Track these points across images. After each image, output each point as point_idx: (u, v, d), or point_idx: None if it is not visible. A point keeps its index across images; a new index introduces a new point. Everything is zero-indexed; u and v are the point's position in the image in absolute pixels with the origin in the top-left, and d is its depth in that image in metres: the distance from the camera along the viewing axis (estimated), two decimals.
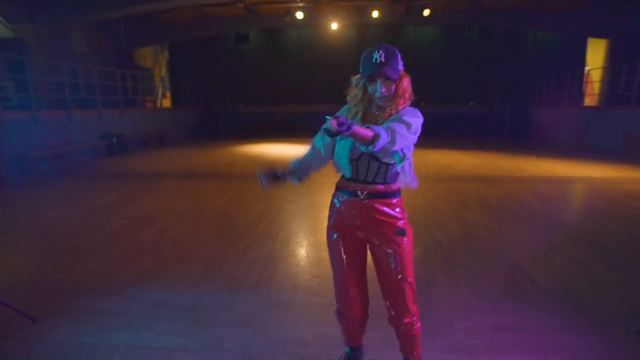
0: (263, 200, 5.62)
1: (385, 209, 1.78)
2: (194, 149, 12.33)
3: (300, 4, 13.40)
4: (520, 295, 2.92)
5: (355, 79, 1.78)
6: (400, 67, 1.73)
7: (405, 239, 1.80)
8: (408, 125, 1.64)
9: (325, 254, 3.53)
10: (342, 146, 1.78)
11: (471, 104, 17.52)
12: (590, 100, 13.70)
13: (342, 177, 1.86)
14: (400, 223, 1.80)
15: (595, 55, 14.17)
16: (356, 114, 1.78)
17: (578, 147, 11.38)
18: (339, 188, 1.87)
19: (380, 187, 1.77)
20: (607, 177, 7.33)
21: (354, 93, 1.78)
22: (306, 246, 3.96)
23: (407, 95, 1.75)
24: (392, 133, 1.57)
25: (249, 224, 4.64)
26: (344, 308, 1.89)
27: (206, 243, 4.09)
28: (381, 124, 1.68)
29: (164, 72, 17.97)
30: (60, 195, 6.43)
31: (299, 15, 13.59)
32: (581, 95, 13.88)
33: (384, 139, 1.53)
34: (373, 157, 1.74)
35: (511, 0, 12.83)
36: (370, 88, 1.73)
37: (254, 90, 18.14)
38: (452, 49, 17.18)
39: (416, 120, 1.68)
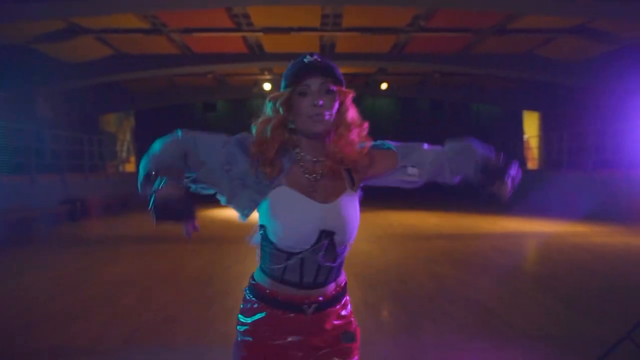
0: (241, 262, 5.71)
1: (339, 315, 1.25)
2: None
3: (268, 76, 14.37)
4: (497, 334, 3.22)
5: (268, 99, 1.11)
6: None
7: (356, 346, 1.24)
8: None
9: None
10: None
11: None
12: (531, 165, 15.24)
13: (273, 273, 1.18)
14: (353, 327, 1.24)
15: (531, 124, 16.01)
16: (265, 159, 1.07)
17: (524, 206, 12.41)
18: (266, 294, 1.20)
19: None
20: (553, 232, 8.10)
21: (263, 120, 1.09)
22: None
23: (361, 125, 1.12)
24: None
25: (232, 283, 4.71)
26: None
27: (192, 303, 4.12)
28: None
29: (128, 137, 18.03)
30: (26, 261, 6.17)
31: (267, 86, 14.51)
32: (523, 159, 15.45)
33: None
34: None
35: (455, 77, 14.54)
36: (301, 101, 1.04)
37: None
38: (407, 118, 18.82)
39: None
